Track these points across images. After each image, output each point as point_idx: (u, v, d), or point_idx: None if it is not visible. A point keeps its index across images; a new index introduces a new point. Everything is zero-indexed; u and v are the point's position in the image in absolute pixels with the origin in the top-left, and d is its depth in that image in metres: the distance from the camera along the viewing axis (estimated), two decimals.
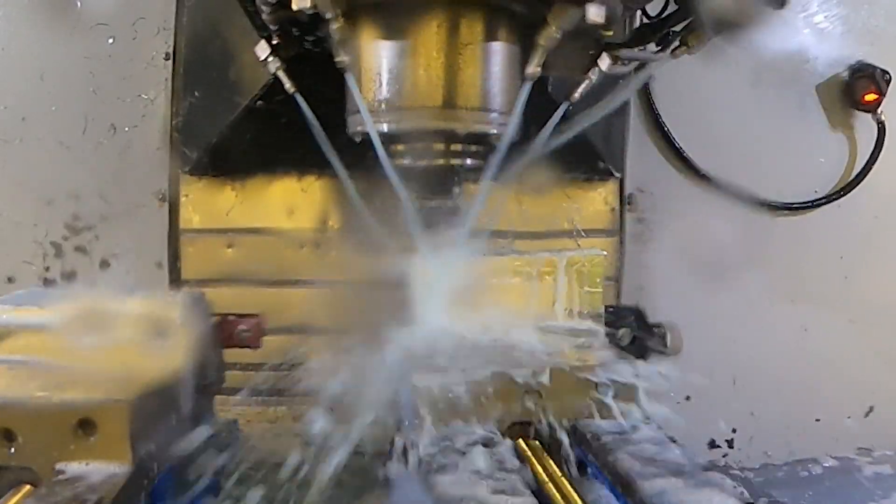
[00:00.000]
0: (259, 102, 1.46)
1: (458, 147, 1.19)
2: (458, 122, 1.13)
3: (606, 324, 1.23)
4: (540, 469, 0.93)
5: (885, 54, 1.82)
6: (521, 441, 0.99)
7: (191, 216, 1.62)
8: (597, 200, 1.73)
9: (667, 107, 1.76)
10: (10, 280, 1.60)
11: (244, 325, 1.22)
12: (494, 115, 1.15)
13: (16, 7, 1.58)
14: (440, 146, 1.18)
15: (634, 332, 1.33)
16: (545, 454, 0.96)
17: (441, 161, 1.19)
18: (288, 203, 1.63)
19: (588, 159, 1.67)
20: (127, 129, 1.61)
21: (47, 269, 1.60)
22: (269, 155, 1.59)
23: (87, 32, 1.59)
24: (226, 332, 1.21)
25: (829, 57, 1.83)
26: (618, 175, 1.71)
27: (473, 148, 1.20)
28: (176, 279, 1.62)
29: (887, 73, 1.79)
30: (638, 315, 1.37)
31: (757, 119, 1.82)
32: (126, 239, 1.62)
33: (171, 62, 1.60)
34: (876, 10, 1.83)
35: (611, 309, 1.31)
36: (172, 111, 1.59)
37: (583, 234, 1.72)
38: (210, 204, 1.62)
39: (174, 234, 1.62)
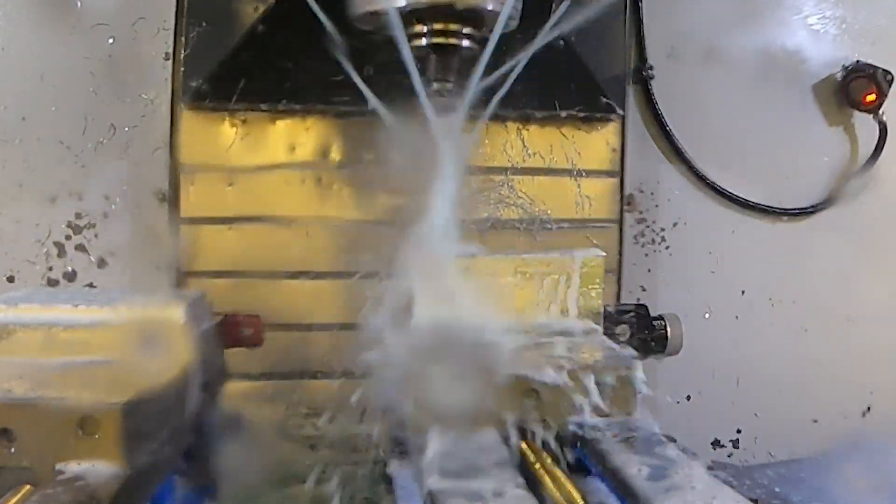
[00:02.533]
0: (261, 27, 1.45)
1: (455, 27, 1.23)
2: None
3: (606, 321, 1.23)
4: (540, 468, 0.93)
5: (886, 54, 1.81)
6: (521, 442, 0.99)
7: (191, 153, 1.60)
8: (598, 140, 1.70)
9: (669, 107, 1.76)
10: (9, 279, 1.60)
11: (246, 323, 1.23)
12: None
13: (16, 7, 1.57)
14: (440, 25, 1.23)
15: (633, 328, 1.33)
16: (545, 455, 0.96)
17: (440, 40, 1.23)
18: (290, 139, 1.61)
19: (589, 96, 1.64)
20: (127, 128, 1.61)
21: (50, 268, 1.60)
22: (271, 86, 1.56)
23: (87, 32, 1.58)
24: (228, 330, 1.21)
25: (827, 57, 1.83)
26: (620, 113, 1.68)
27: (469, 30, 1.24)
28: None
29: (889, 73, 1.78)
30: (640, 311, 1.37)
31: (757, 120, 1.82)
32: (126, 239, 1.62)
33: (170, 62, 1.60)
34: (876, 10, 1.83)
35: (610, 308, 1.31)
36: (180, 42, 1.57)
37: (583, 174, 1.70)
38: (210, 141, 1.60)
39: (175, 229, 1.62)
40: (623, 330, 1.34)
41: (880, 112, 1.81)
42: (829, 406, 1.89)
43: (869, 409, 1.91)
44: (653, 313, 1.40)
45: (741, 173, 1.80)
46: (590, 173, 1.70)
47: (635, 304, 1.39)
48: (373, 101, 1.25)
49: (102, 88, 1.60)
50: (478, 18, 1.23)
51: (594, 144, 1.70)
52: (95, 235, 1.62)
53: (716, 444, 1.85)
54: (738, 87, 1.80)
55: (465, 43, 1.25)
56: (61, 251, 1.61)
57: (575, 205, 1.69)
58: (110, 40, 1.60)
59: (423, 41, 1.24)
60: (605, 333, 1.21)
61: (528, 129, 1.67)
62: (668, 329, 1.39)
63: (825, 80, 1.84)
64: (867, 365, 1.88)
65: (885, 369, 1.89)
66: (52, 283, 1.61)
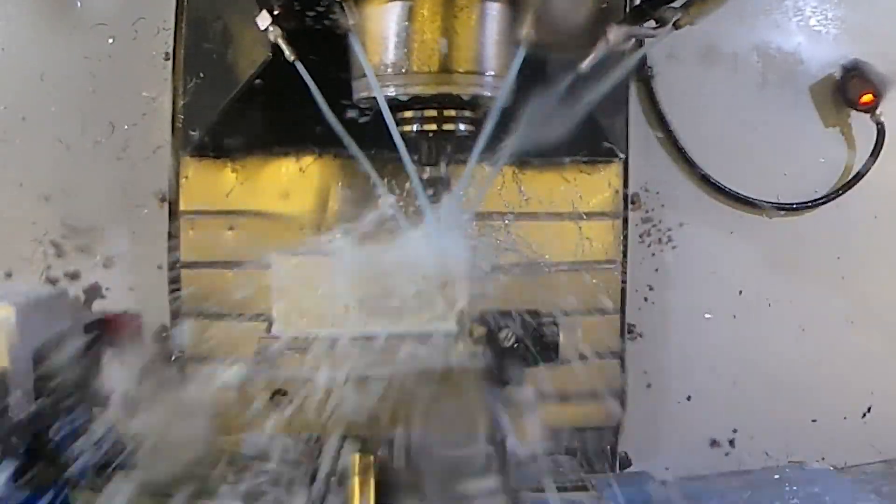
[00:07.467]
0: (258, 81, 1.46)
1: (451, 112, 1.22)
2: (457, 86, 1.16)
3: (490, 326, 1.15)
4: None
5: (886, 54, 1.82)
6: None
7: (191, 198, 1.60)
8: (600, 183, 1.70)
9: (669, 107, 1.76)
10: (8, 275, 1.60)
11: (120, 323, 1.20)
12: (489, 78, 1.18)
13: (16, 7, 1.57)
14: (433, 112, 1.21)
15: (516, 332, 1.19)
16: None
17: (435, 126, 1.22)
18: (285, 185, 1.61)
19: (592, 139, 1.64)
20: (126, 128, 1.61)
21: (49, 267, 1.60)
22: (267, 135, 1.57)
23: (87, 32, 1.58)
24: (107, 329, 1.18)
25: (826, 56, 1.84)
26: (621, 156, 1.68)
27: (467, 113, 1.23)
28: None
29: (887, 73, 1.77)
30: (530, 316, 1.23)
31: (756, 120, 1.82)
32: (126, 239, 1.62)
33: (170, 62, 1.59)
34: (876, 10, 1.84)
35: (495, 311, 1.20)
36: (176, 93, 1.58)
37: (584, 216, 1.69)
38: (210, 186, 1.60)
39: (173, 232, 1.61)
40: (506, 335, 1.21)
41: (878, 112, 1.81)
42: (828, 406, 1.88)
43: (869, 409, 1.91)
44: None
45: (741, 172, 1.80)
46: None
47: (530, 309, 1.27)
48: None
49: (102, 88, 1.60)
50: (466, 104, 1.21)
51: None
52: (95, 235, 1.62)
53: (713, 443, 1.85)
54: (738, 87, 1.80)
55: (461, 127, 1.23)
56: (59, 250, 1.61)
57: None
58: (110, 40, 1.59)
59: (414, 127, 1.23)
60: (488, 338, 1.14)
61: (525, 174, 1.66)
62: (545, 329, 1.25)
63: (824, 79, 1.84)
64: (867, 365, 1.88)
65: (885, 370, 1.89)
66: (52, 281, 1.61)
